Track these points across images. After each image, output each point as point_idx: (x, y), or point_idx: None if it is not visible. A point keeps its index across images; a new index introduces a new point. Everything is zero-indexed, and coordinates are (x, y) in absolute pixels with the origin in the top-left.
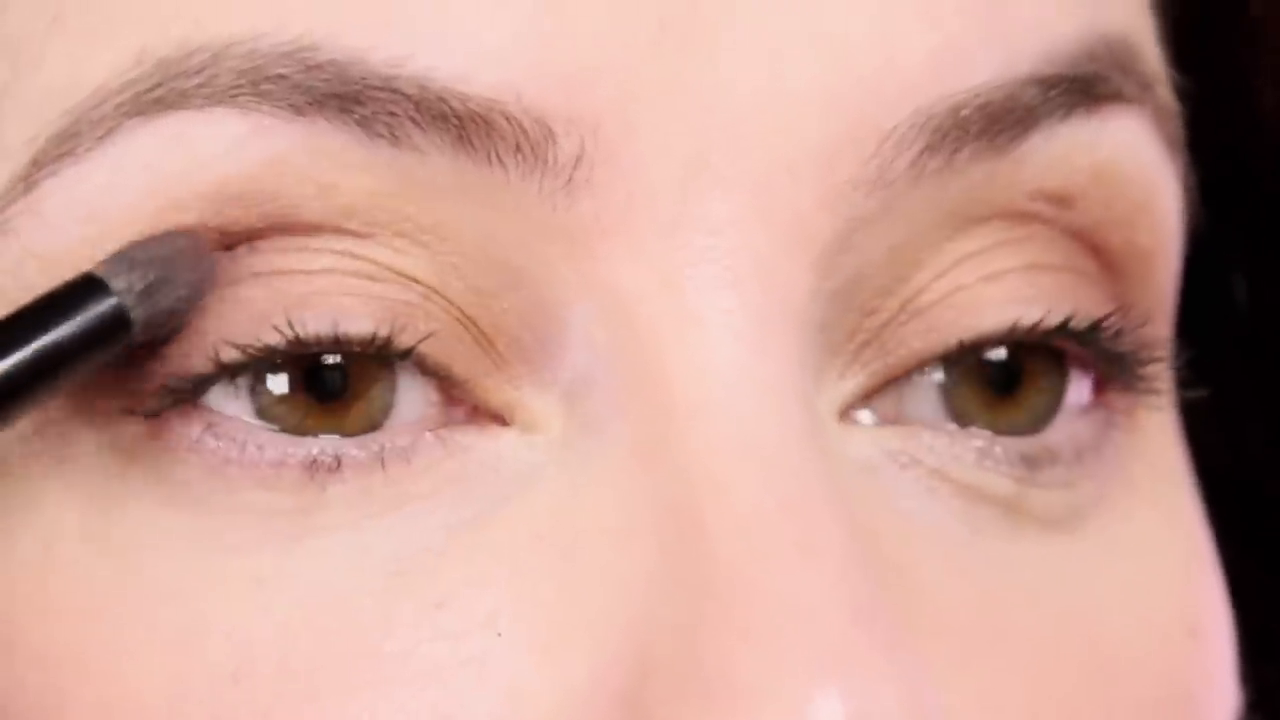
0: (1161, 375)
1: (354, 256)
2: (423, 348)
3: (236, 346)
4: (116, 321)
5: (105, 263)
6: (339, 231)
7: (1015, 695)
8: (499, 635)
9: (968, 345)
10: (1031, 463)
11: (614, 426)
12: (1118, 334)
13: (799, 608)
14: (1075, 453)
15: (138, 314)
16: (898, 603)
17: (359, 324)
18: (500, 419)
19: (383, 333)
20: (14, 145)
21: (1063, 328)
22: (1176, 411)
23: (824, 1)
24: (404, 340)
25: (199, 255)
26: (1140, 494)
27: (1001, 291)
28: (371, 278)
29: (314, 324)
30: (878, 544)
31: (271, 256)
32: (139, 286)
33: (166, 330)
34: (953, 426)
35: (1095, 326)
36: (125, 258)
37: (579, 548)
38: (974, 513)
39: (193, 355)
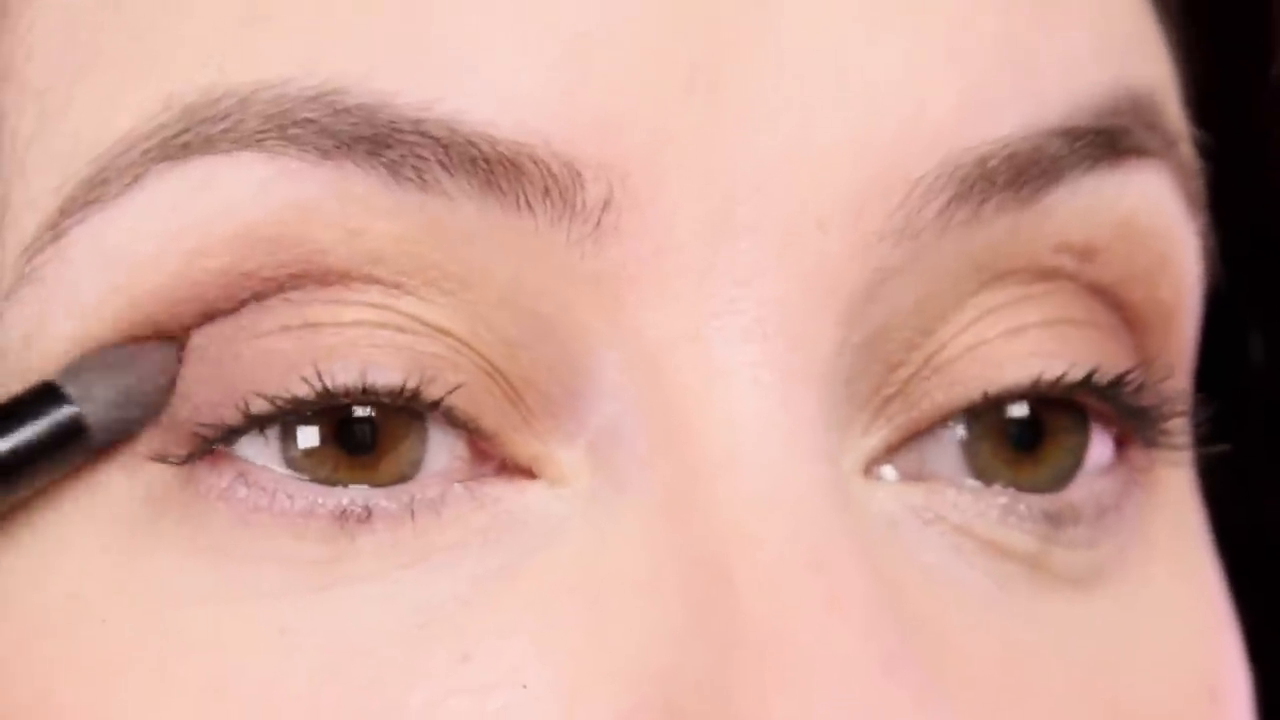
0: (1182, 430)
1: (383, 308)
2: (451, 400)
3: (265, 398)
4: (73, 429)
5: (63, 371)
6: (367, 280)
7: None
8: (525, 687)
9: (991, 398)
10: (1055, 520)
11: (640, 479)
12: (1140, 389)
13: (830, 659)
14: (1097, 511)
15: (96, 421)
16: (926, 655)
17: (388, 375)
18: (528, 472)
19: (411, 384)
20: (41, 194)
21: (1086, 382)
22: (1195, 470)
23: (853, 51)
24: (433, 392)
25: (161, 360)
26: (1160, 553)
27: (1024, 346)
28: (400, 329)
29: (342, 375)
30: (902, 599)
31: (301, 309)
32: (98, 394)
33: (129, 435)
34: (975, 483)
35: (1118, 381)
36: (83, 365)
37: (606, 599)
38: (998, 569)
39: (222, 405)
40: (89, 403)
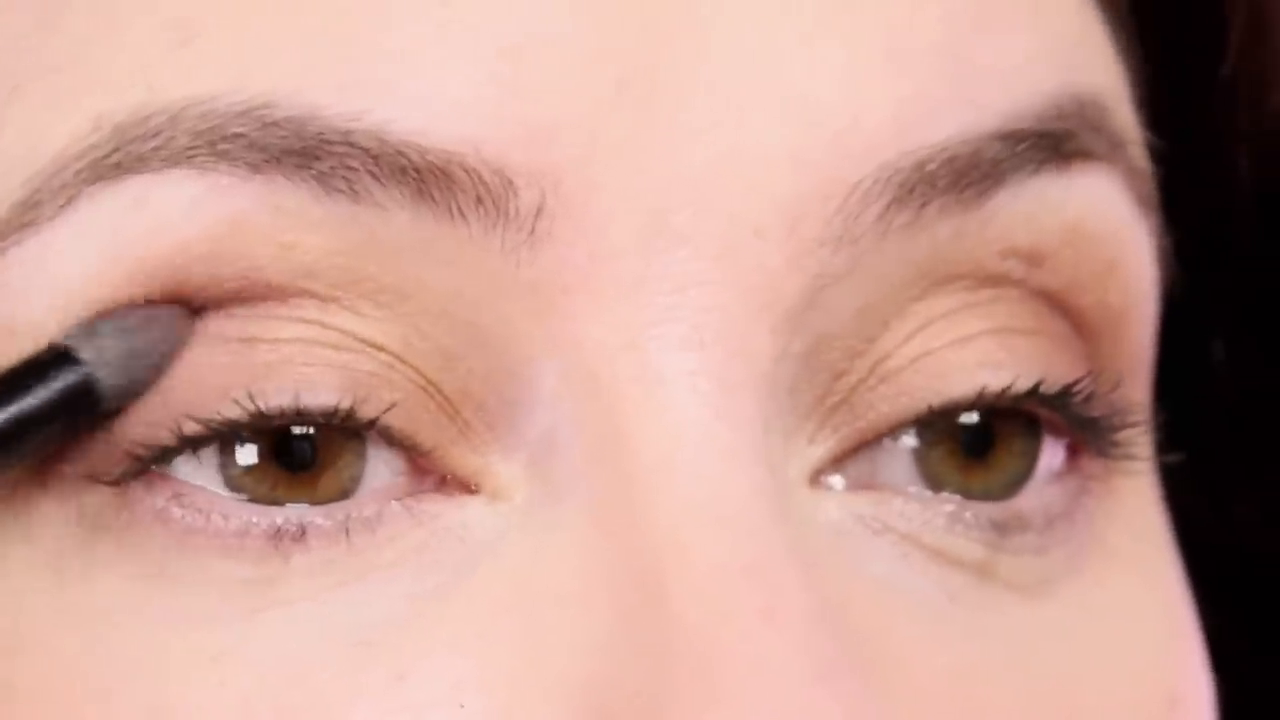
0: (1137, 440)
1: (317, 324)
2: (387, 419)
3: (198, 420)
4: (85, 391)
5: (74, 333)
6: (303, 294)
7: None
8: (462, 707)
9: (937, 410)
10: (1002, 529)
11: (577, 491)
12: (1089, 398)
13: (762, 671)
14: (1046, 520)
15: (107, 384)
16: (867, 666)
17: (321, 397)
18: (468, 487)
19: (345, 405)
20: None
21: (1032, 393)
22: (1158, 475)
23: (788, 58)
24: (367, 411)
25: (170, 323)
26: (1117, 560)
27: (971, 356)
28: (335, 346)
29: (275, 397)
30: (847, 610)
31: (237, 323)
32: (108, 356)
33: (138, 398)
34: (925, 492)
35: (1066, 391)
36: (95, 327)
37: (540, 614)
38: (947, 578)
39: (156, 426)
40: (102, 366)
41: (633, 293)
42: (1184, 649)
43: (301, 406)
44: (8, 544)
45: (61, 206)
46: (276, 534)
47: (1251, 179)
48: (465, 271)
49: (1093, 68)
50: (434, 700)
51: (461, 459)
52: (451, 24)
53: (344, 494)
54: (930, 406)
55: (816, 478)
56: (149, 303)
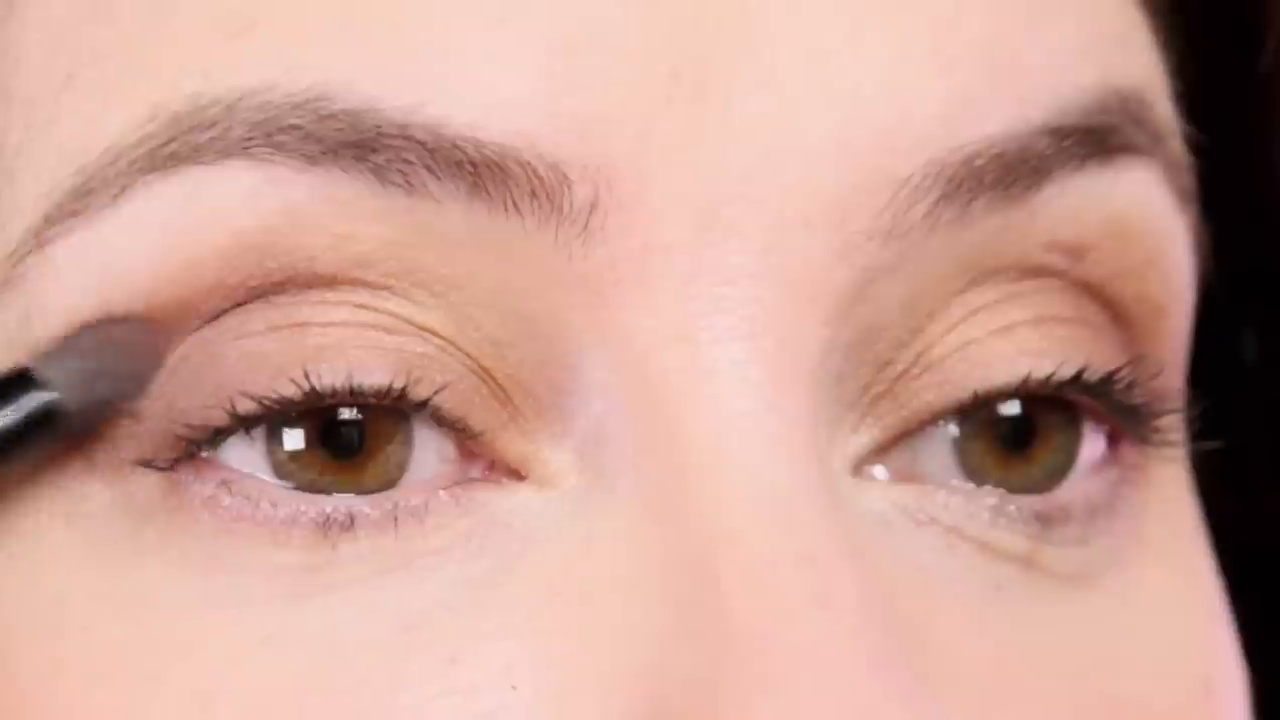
0: (1175, 427)
1: (370, 309)
2: (438, 399)
3: (252, 398)
4: (48, 415)
5: (44, 356)
6: (355, 283)
7: None
8: (514, 689)
9: (981, 397)
10: (1046, 521)
11: (628, 480)
12: (1130, 386)
13: (816, 658)
14: (1088, 510)
15: (72, 406)
16: (916, 655)
17: (374, 376)
18: (516, 473)
19: (398, 384)
20: (28, 202)
21: (1076, 380)
22: (1190, 467)
23: (837, 52)
24: (419, 392)
25: (140, 343)
26: (1154, 550)
27: (1013, 345)
28: (387, 330)
29: (329, 376)
30: (893, 598)
31: (288, 309)
32: (74, 379)
33: (106, 420)
34: (967, 484)
35: (1108, 379)
36: (60, 350)
37: (593, 601)
38: (991, 569)
39: (208, 407)
40: (66, 388)
41: (683, 285)
42: (1218, 637)
43: (355, 386)
44: (55, 535)
45: (114, 196)
46: (325, 522)
47: None
48: (517, 263)
49: (1134, 62)
50: (485, 682)
51: (511, 444)
52: (505, 18)
53: (390, 482)
54: (975, 394)
55: (860, 468)
56: (117, 321)
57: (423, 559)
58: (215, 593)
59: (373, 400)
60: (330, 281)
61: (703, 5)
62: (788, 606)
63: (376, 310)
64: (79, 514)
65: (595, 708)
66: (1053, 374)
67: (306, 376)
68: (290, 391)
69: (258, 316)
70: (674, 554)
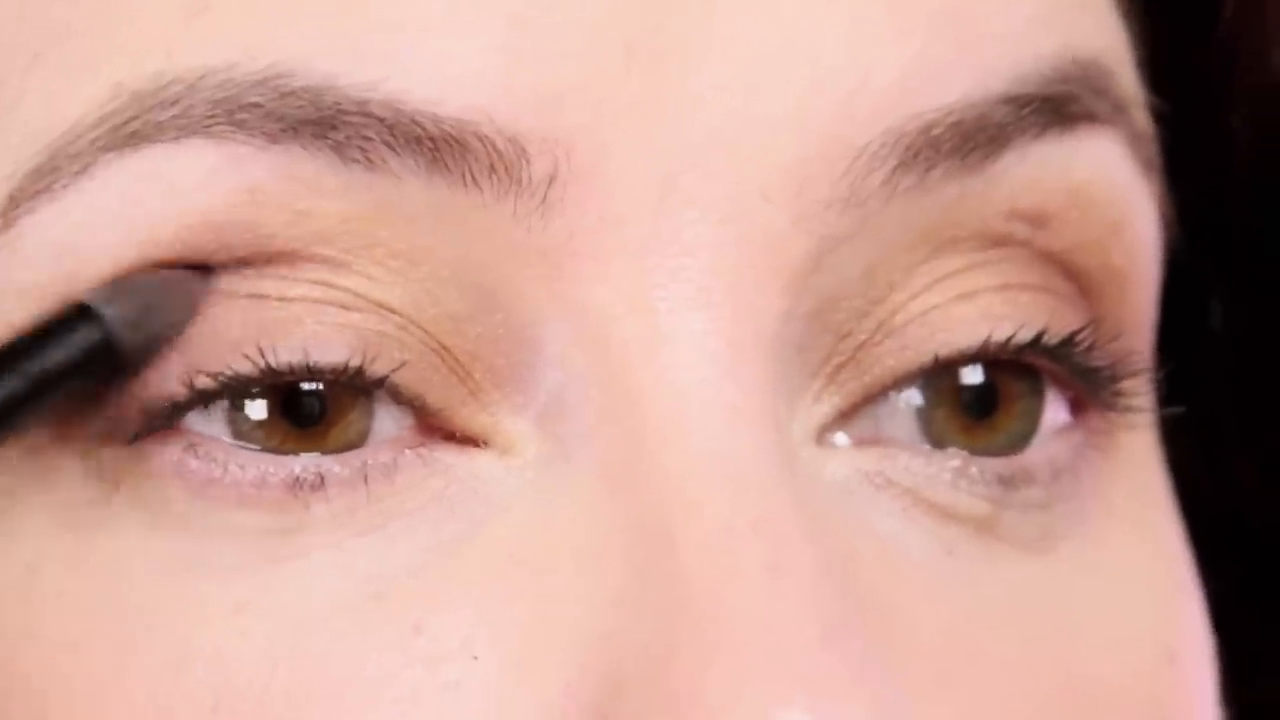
0: (1139, 391)
1: (327, 285)
2: (396, 377)
3: (209, 375)
4: (106, 349)
5: (96, 291)
6: (314, 259)
7: (993, 717)
8: (475, 659)
9: (942, 361)
10: (1008, 483)
11: (586, 448)
12: (1090, 348)
13: (768, 626)
14: (1052, 474)
15: (127, 341)
16: (871, 624)
17: (331, 353)
18: (475, 443)
19: (355, 362)
20: None
21: (1035, 343)
22: (1157, 435)
23: (795, 21)
24: (377, 369)
25: (187, 283)
26: (1119, 517)
27: (975, 310)
28: (344, 306)
29: (285, 354)
30: (854, 565)
31: (248, 281)
32: (129, 314)
33: (156, 356)
34: (929, 447)
35: (1068, 341)
36: (116, 286)
37: (551, 569)
38: (949, 534)
39: (168, 381)
40: (121, 324)
41: (641, 256)
42: (1183, 605)
43: (311, 363)
44: (26, 503)
45: (76, 174)
46: (295, 483)
47: (1250, 138)
48: (476, 237)
49: (1095, 30)
50: (448, 652)
51: (471, 418)
52: None
53: (352, 446)
54: (936, 358)
55: (822, 435)
56: (166, 266)
57: (395, 521)
58: (186, 558)
59: (330, 377)
60: (290, 259)
61: None
62: (742, 574)
63: (334, 287)
64: (50, 484)
65: (553, 678)
66: (1012, 336)
67: (262, 354)
68: (247, 369)
69: (220, 287)
70: (631, 522)
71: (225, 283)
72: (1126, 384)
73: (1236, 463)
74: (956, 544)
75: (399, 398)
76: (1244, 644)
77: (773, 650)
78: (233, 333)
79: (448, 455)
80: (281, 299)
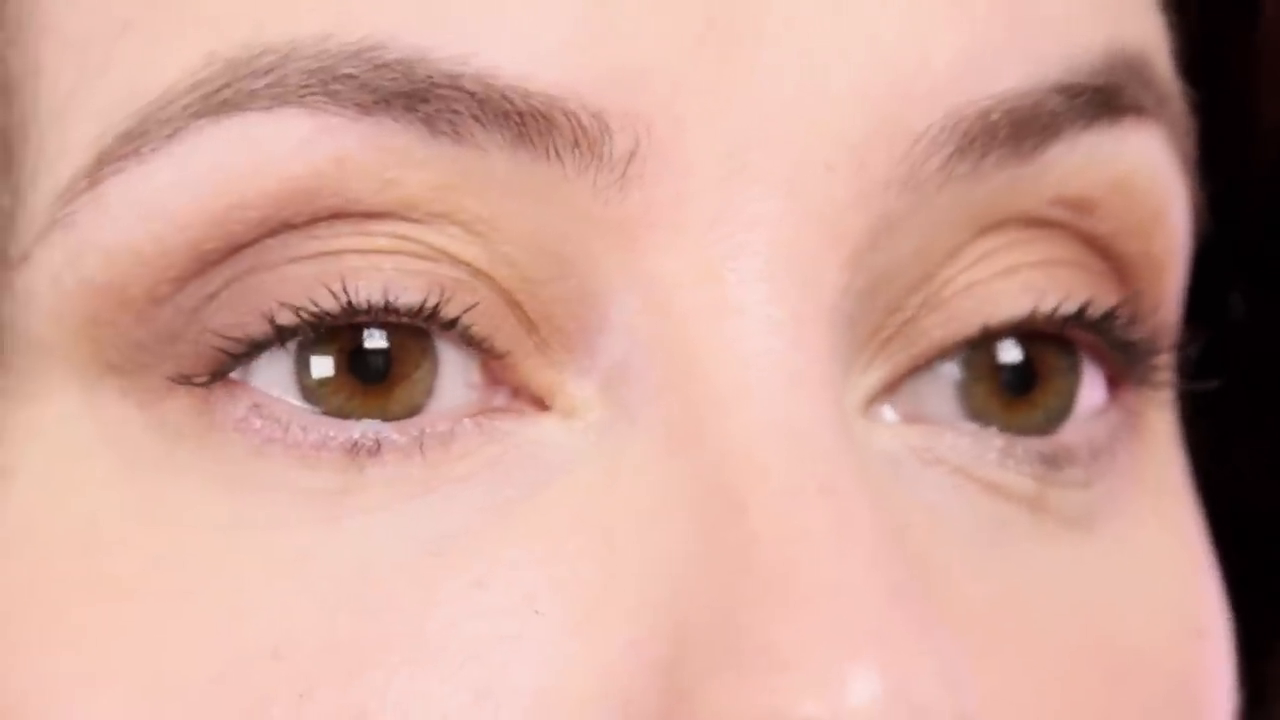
0: (1169, 366)
1: (409, 239)
2: (467, 318)
3: (290, 308)
4: None
5: None
6: (395, 218)
7: (1037, 686)
8: (537, 613)
9: (989, 331)
10: (1051, 462)
11: (651, 412)
12: (1131, 322)
13: (838, 585)
14: (1091, 453)
15: None
16: (927, 589)
17: (408, 294)
18: (541, 403)
19: (430, 302)
20: (80, 143)
21: (1079, 316)
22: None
23: (859, 4)
24: (449, 310)
25: None
26: (1149, 496)
27: (1017, 284)
28: (422, 256)
29: (365, 291)
30: (904, 535)
31: (328, 240)
32: None
33: None
34: (972, 425)
35: (1110, 314)
36: None
37: (616, 528)
38: (998, 510)
39: (247, 317)
40: None
41: (710, 228)
42: (1207, 582)
43: (389, 301)
44: (89, 455)
45: (167, 138)
46: (353, 448)
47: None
48: (554, 207)
49: (1139, 23)
50: (511, 607)
51: (536, 371)
52: None
53: (416, 408)
54: (983, 328)
55: (869, 408)
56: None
57: (448, 485)
58: (247, 512)
59: (405, 319)
60: (374, 216)
61: None
62: (809, 535)
63: (415, 240)
64: (114, 437)
65: (618, 630)
66: (1057, 308)
67: (345, 289)
68: (328, 304)
69: (299, 245)
70: (696, 483)
71: (308, 245)
72: (1163, 358)
73: (1240, 452)
74: (1007, 521)
75: (468, 340)
76: (1246, 633)
77: (843, 608)
78: (314, 277)
79: (507, 423)
80: (361, 250)
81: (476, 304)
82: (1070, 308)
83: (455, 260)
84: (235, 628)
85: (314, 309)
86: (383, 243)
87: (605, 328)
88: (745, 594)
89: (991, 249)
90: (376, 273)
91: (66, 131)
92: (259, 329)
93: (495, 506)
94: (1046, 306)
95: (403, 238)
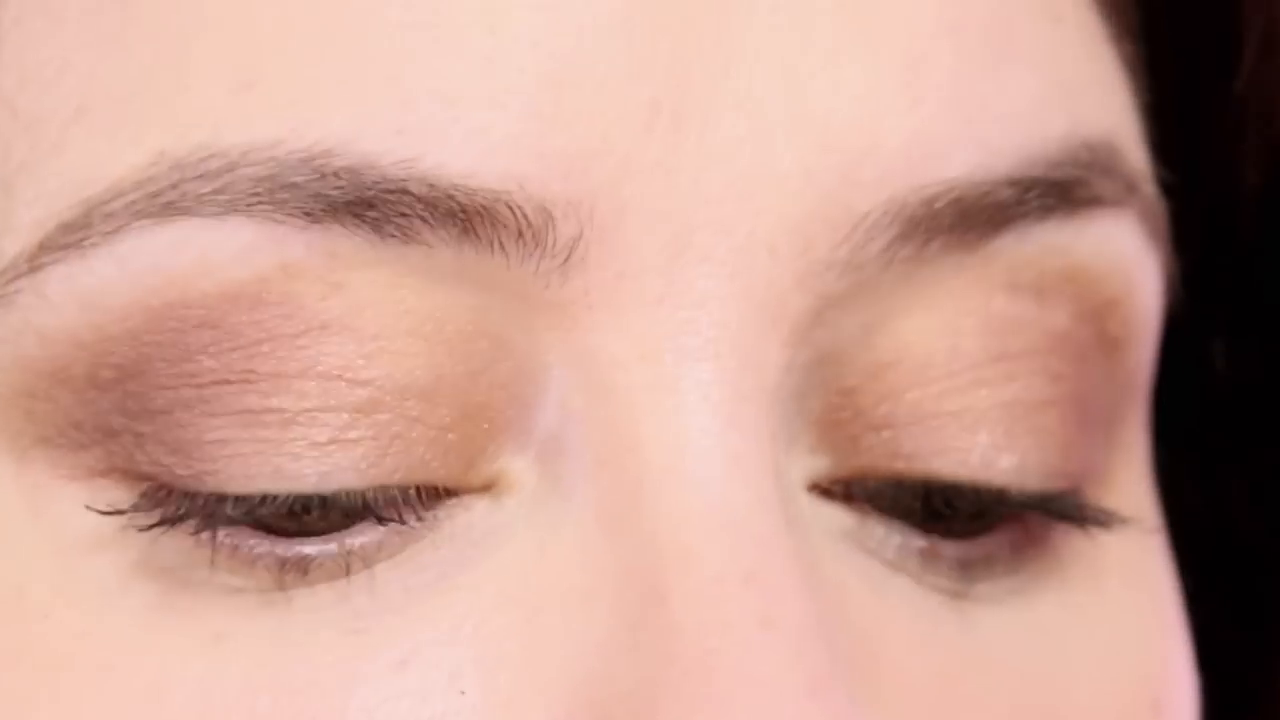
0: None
1: (350, 382)
2: (407, 478)
3: (224, 497)
4: None
5: None
6: (343, 331)
7: None
8: (462, 693)
9: (934, 486)
10: (967, 568)
11: (584, 489)
12: (1079, 505)
13: (756, 679)
14: (1013, 550)
15: None
16: (859, 673)
17: (343, 479)
18: (473, 488)
19: (368, 488)
20: (24, 223)
21: (1028, 501)
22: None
23: (810, 80)
24: (388, 481)
25: None
26: (1108, 562)
27: (977, 442)
28: (362, 411)
29: (299, 483)
30: (844, 614)
31: (265, 398)
32: None
33: None
34: (900, 524)
35: (1059, 494)
36: None
37: (543, 607)
38: (927, 600)
39: (177, 476)
40: None
41: (654, 308)
42: (1170, 651)
43: (322, 492)
44: (16, 513)
45: (108, 234)
46: (282, 566)
47: (1259, 192)
48: (498, 293)
49: (1106, 109)
50: (435, 687)
51: (475, 477)
52: (497, 56)
53: (350, 520)
54: (926, 477)
55: (814, 485)
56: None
57: (374, 567)
58: (170, 596)
59: (345, 501)
60: (321, 329)
61: (683, 32)
62: (732, 626)
63: (356, 383)
64: (41, 508)
65: (540, 715)
66: (1004, 491)
67: (277, 475)
68: (258, 490)
69: (237, 396)
70: (625, 566)
71: (245, 398)
72: (1111, 529)
73: (1227, 481)
74: (937, 608)
75: (406, 489)
76: (1233, 662)
77: (759, 702)
78: (252, 463)
79: (439, 511)
80: (299, 411)
81: (419, 457)
82: (1017, 495)
83: (401, 395)
84: (155, 708)
85: (247, 491)
86: (322, 390)
87: (542, 402)
88: (666, 683)
89: (938, 325)
90: (314, 450)
91: (13, 207)
92: (190, 483)
93: (420, 585)
94: (995, 485)
95: (342, 379)
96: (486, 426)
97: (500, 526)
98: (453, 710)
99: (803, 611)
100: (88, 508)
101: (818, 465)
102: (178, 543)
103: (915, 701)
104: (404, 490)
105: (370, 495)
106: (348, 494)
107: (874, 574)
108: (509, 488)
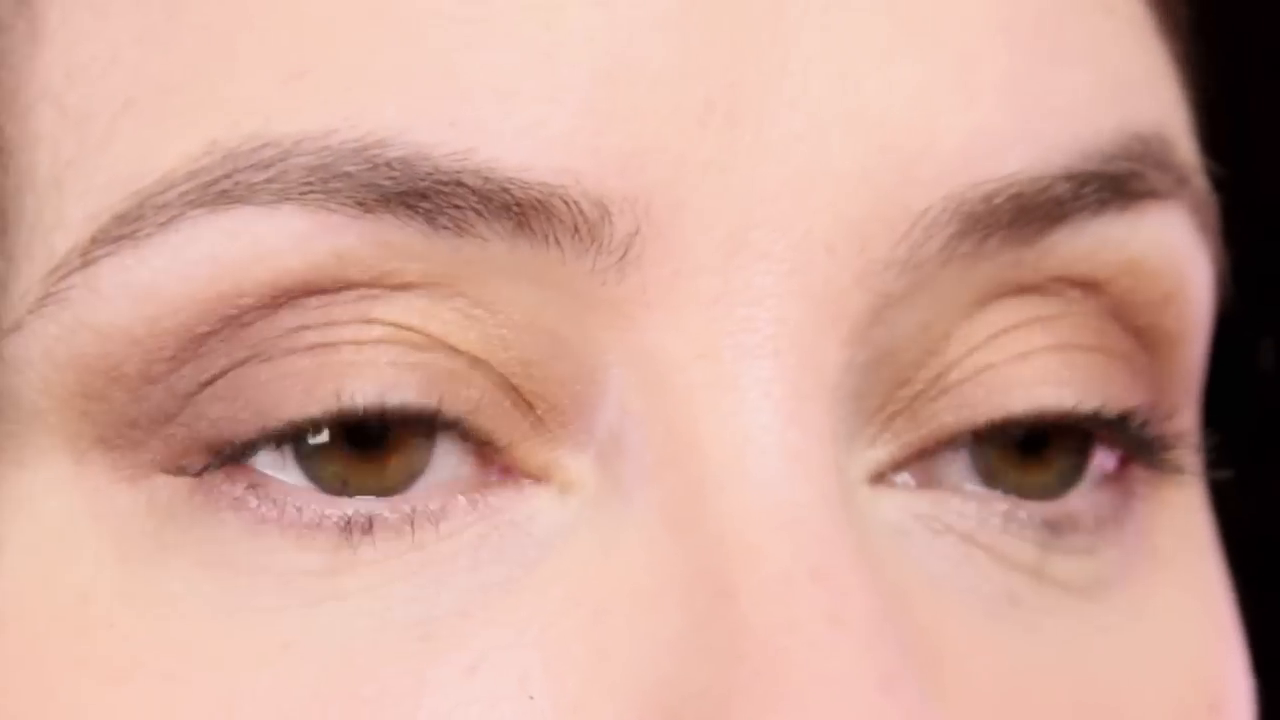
0: (1187, 457)
1: (405, 329)
2: (466, 418)
3: (282, 419)
4: None
5: None
6: (393, 292)
7: None
8: (531, 698)
9: (997, 425)
10: (1054, 528)
11: (646, 488)
12: (1144, 424)
13: (827, 676)
14: (1097, 521)
15: None
16: (927, 672)
17: (404, 395)
18: (535, 477)
19: (429, 405)
20: (75, 219)
21: (1092, 417)
22: (1205, 479)
23: (865, 79)
24: (449, 411)
25: None
26: (1164, 566)
27: (1032, 372)
28: (418, 347)
29: (360, 397)
30: (908, 608)
31: (325, 331)
32: None
33: None
34: (979, 488)
35: (1124, 416)
36: None
37: (609, 611)
38: (1004, 578)
39: (240, 423)
40: None
41: (711, 306)
42: (1226, 656)
43: (385, 405)
44: (79, 533)
45: (162, 225)
46: (347, 525)
47: None
48: (553, 289)
49: (1157, 102)
50: (503, 692)
51: (532, 452)
52: (553, 51)
53: (413, 477)
54: (990, 421)
55: (878, 477)
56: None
57: (435, 567)
58: (235, 596)
59: (400, 420)
60: (372, 292)
61: (738, 29)
62: (801, 623)
63: (412, 330)
64: (103, 512)
65: (610, 717)
66: (1070, 410)
67: (338, 397)
68: (319, 412)
69: (295, 336)
70: (691, 566)
71: (304, 334)
72: (1175, 453)
73: (1275, 482)
74: (1015, 589)
75: (466, 436)
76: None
77: (831, 700)
78: (307, 380)
79: (500, 499)
80: (357, 343)
81: (473, 402)
82: (1084, 409)
83: (453, 350)
84: (225, 717)
85: (304, 417)
86: (379, 332)
87: (602, 403)
88: (736, 683)
89: (1003, 326)
90: (372, 369)
91: (63, 203)
92: (251, 434)
93: (486, 586)
94: (1059, 406)
95: (399, 326)
96: (544, 413)
97: (563, 526)
98: (522, 715)
99: (870, 607)
100: (150, 501)
101: (878, 456)
102: (240, 518)
103: (979, 699)
104: (470, 434)
105: (438, 421)
106: (406, 416)
107: (945, 562)
108: (568, 486)
